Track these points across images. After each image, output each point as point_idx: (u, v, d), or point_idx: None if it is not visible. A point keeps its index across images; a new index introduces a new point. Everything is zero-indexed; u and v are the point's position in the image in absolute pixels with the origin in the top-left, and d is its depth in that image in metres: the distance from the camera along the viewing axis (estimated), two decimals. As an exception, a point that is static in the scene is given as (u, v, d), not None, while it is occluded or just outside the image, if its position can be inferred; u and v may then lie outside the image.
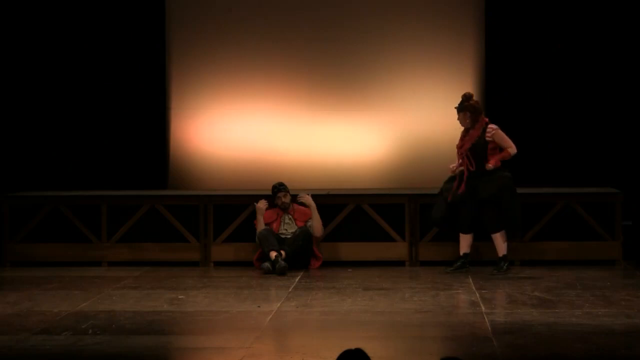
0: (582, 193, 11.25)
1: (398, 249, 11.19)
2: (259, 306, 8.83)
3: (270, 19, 12.28)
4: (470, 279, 10.07)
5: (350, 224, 11.26)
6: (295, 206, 11.12)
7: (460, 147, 10.46)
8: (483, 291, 9.43)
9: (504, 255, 10.46)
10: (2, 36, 12.26)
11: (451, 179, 10.54)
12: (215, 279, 10.47)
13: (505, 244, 10.46)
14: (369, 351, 4.90)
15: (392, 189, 11.80)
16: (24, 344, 7.51)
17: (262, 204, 10.99)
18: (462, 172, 10.41)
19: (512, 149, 10.41)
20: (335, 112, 12.24)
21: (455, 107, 10.50)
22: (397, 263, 11.11)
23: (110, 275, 10.68)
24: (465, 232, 10.53)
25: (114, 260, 11.32)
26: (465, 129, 10.48)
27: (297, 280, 10.23)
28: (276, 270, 10.48)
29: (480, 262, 10.85)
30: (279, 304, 8.91)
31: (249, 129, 12.28)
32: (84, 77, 12.32)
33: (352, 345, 5.05)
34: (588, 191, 11.32)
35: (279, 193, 11.03)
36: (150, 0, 12.34)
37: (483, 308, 8.64)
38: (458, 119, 10.46)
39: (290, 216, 11.06)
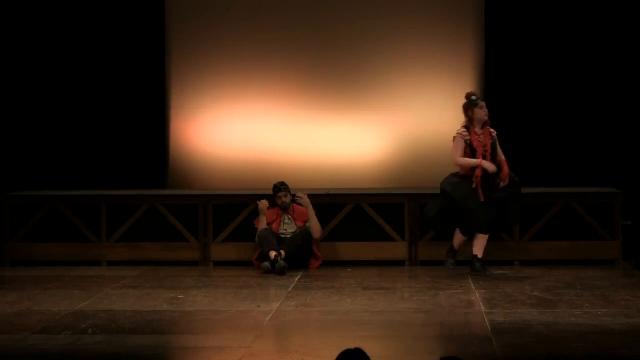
0: (582, 193, 11.24)
1: (398, 249, 11.19)
2: (258, 306, 8.83)
3: (270, 19, 12.28)
4: (470, 279, 10.07)
5: (350, 224, 11.25)
6: (295, 206, 11.11)
7: (484, 145, 10.08)
8: (483, 291, 9.43)
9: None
10: (2, 36, 12.26)
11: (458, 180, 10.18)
12: (214, 278, 10.47)
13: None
14: (368, 351, 4.89)
15: (391, 188, 11.79)
16: (24, 343, 7.51)
17: (263, 205, 10.97)
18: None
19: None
20: (335, 112, 12.24)
21: (480, 99, 10.19)
22: (397, 263, 11.11)
23: (110, 275, 10.68)
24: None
25: (113, 259, 11.32)
26: (477, 125, 10.10)
27: (296, 280, 10.23)
28: (276, 270, 10.48)
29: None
30: (278, 304, 8.91)
31: (249, 128, 12.28)
32: (84, 77, 12.32)
33: (351, 344, 5.05)
34: (588, 191, 11.32)
35: (280, 193, 11.03)
36: (150, 0, 12.35)
37: (483, 308, 8.64)
38: (480, 112, 10.08)
39: (290, 216, 11.06)
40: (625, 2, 11.88)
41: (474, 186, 9.99)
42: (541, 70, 11.99)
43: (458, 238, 10.36)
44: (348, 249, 11.21)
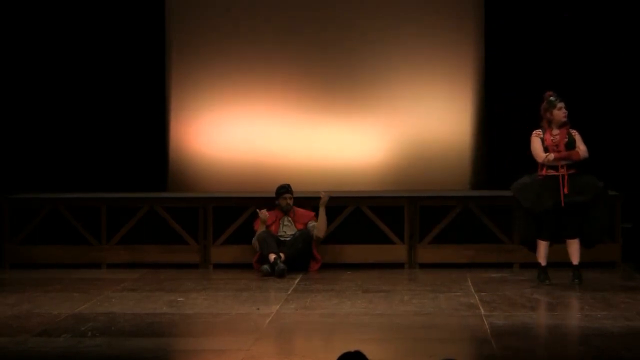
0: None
1: (397, 252, 11.18)
2: (258, 308, 8.83)
3: (271, 20, 12.28)
4: (470, 282, 10.07)
5: (350, 226, 11.25)
6: (295, 209, 11.11)
7: (556, 144, 9.79)
8: (482, 293, 9.42)
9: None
10: (2, 38, 12.26)
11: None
12: (214, 281, 10.46)
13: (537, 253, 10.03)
14: (368, 353, 4.90)
15: (391, 191, 11.79)
16: (24, 345, 7.51)
17: (264, 215, 10.89)
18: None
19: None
20: (335, 115, 12.23)
21: (559, 99, 9.86)
22: (396, 265, 11.11)
23: (110, 278, 10.68)
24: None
25: (113, 262, 11.32)
26: (555, 126, 9.84)
27: (296, 282, 10.23)
28: (275, 273, 10.48)
29: (479, 264, 10.89)
30: (278, 306, 8.91)
31: (248, 131, 12.27)
32: (84, 78, 12.32)
33: (351, 347, 5.04)
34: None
35: (286, 194, 11.01)
36: (150, 0, 12.35)
37: (482, 310, 8.63)
38: (558, 113, 9.80)
39: (289, 218, 11.06)
40: (625, 2, 11.88)
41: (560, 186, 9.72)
42: (541, 70, 11.98)
43: (541, 248, 9.94)
44: (348, 252, 11.20)
